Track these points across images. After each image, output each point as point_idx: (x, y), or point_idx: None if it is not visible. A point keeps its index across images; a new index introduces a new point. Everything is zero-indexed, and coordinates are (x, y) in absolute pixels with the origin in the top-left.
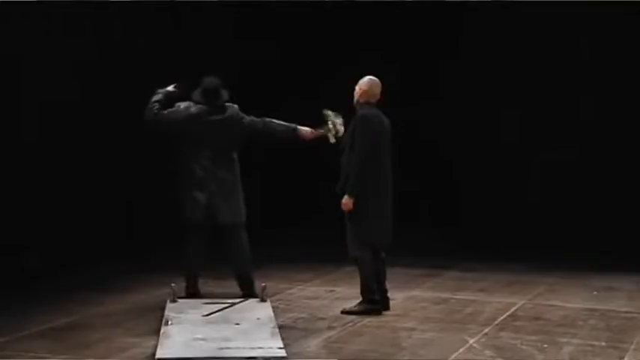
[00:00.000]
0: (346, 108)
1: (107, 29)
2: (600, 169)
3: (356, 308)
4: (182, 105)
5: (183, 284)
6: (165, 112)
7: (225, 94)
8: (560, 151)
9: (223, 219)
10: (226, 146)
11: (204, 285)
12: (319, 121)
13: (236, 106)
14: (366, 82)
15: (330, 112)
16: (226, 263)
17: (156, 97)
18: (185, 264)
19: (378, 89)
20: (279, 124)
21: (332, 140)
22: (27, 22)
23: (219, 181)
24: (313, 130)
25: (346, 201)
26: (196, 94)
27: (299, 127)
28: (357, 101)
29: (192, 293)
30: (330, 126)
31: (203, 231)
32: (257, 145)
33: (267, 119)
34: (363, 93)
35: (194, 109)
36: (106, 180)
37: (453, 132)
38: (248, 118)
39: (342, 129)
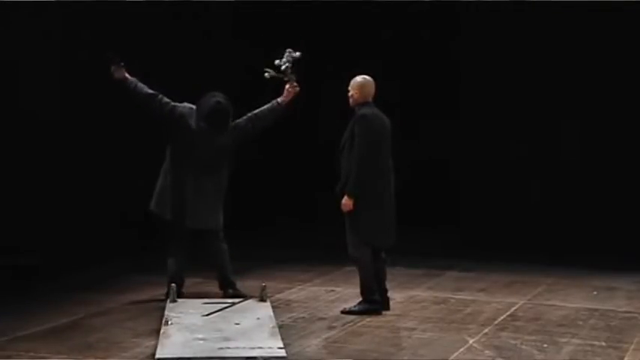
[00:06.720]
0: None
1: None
2: (600, 169)
3: (356, 308)
4: (187, 107)
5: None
6: (172, 103)
7: (231, 115)
8: (561, 151)
9: (202, 225)
10: (217, 155)
11: (204, 285)
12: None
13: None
14: (359, 81)
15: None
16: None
17: (148, 90)
18: (169, 269)
19: (372, 86)
20: (262, 112)
21: (283, 66)
22: (22, 25)
23: (204, 187)
24: (287, 88)
25: (346, 201)
26: (201, 117)
27: (278, 100)
28: (356, 102)
29: (167, 294)
30: (281, 65)
31: (186, 235)
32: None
33: (252, 115)
34: (360, 93)
35: (194, 125)
36: (106, 180)
37: (453, 132)
38: (241, 125)
39: (285, 60)
